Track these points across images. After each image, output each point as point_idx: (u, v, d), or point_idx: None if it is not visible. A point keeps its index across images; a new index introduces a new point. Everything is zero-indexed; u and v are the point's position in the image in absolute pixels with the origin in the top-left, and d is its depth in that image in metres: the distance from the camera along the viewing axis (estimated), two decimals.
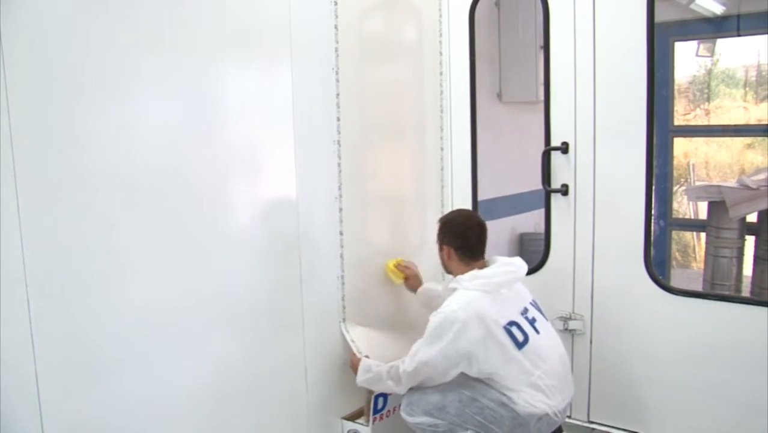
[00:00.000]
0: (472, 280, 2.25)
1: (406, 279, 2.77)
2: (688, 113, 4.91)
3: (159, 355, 1.96)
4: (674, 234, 4.74)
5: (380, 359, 2.69)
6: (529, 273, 2.44)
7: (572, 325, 2.81)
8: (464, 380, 2.27)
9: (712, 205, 3.84)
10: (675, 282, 4.61)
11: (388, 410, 2.65)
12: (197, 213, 2.06)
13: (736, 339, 2.48)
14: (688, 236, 5.09)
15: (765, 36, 4.04)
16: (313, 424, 2.52)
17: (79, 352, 1.77)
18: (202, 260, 2.08)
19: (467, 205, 3.08)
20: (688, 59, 4.52)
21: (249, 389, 2.25)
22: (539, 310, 2.38)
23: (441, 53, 3.06)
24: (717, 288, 3.73)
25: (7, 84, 1.57)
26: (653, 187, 2.63)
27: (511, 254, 2.93)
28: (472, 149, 3.06)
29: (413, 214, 3.03)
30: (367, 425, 2.57)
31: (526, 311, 2.29)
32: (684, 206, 4.91)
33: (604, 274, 2.75)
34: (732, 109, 4.91)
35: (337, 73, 2.50)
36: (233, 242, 2.19)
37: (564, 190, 2.79)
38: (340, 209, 2.56)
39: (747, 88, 4.72)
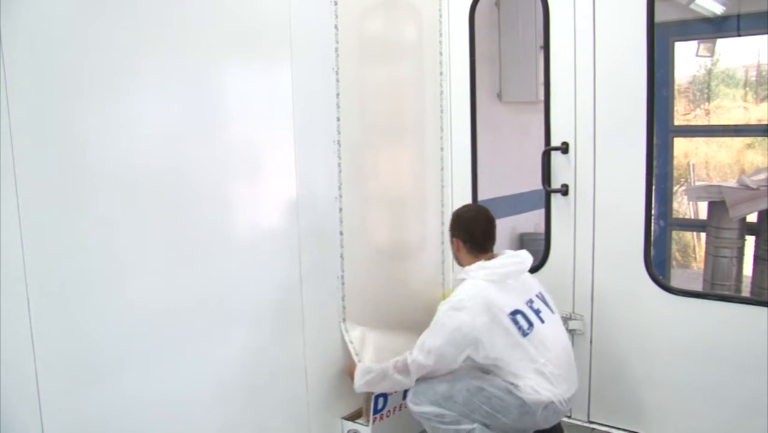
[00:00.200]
0: (478, 270, 2.33)
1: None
2: (688, 113, 4.91)
3: (159, 355, 1.96)
4: (674, 234, 4.74)
5: (380, 359, 2.70)
6: (529, 273, 2.46)
7: (572, 325, 2.81)
8: (471, 371, 2.32)
9: (712, 205, 3.84)
10: (675, 282, 4.60)
11: (388, 410, 2.65)
12: (197, 213, 2.06)
13: (736, 339, 2.48)
14: (688, 236, 5.09)
15: (765, 36, 4.04)
16: (313, 424, 2.52)
17: (79, 351, 1.77)
18: (202, 259, 2.08)
19: None
20: (688, 59, 4.52)
21: (249, 389, 2.25)
22: (546, 303, 2.41)
23: (441, 53, 3.06)
24: (717, 288, 3.73)
25: (7, 84, 1.57)
26: (653, 187, 2.63)
27: None
28: (472, 149, 3.07)
29: (413, 214, 3.03)
30: (367, 425, 2.57)
31: (531, 302, 2.34)
32: (684, 206, 4.91)
33: (604, 274, 2.75)
34: (732, 109, 4.91)
35: (337, 73, 2.50)
36: (233, 241, 2.19)
37: (564, 191, 2.79)
38: (340, 209, 2.56)
39: (747, 88, 4.72)
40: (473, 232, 2.43)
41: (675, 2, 4.02)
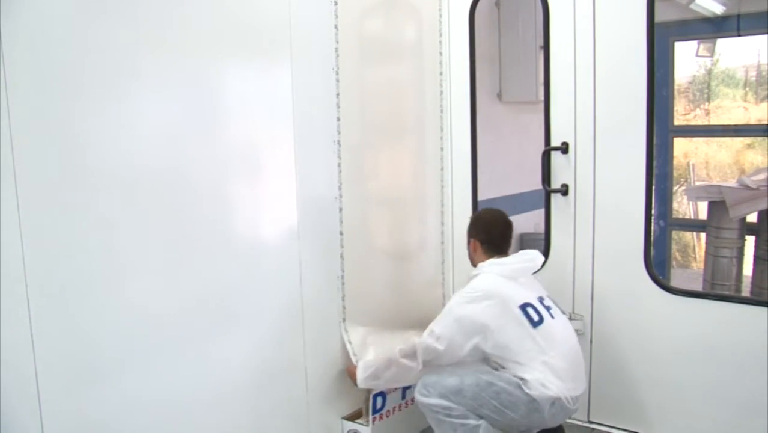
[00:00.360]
0: (491, 266, 2.40)
1: None
2: (688, 113, 4.91)
3: (159, 355, 1.96)
4: (674, 234, 4.74)
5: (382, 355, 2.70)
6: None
7: (572, 325, 2.80)
8: (481, 366, 2.35)
9: (712, 205, 3.84)
10: (675, 282, 4.61)
11: (388, 410, 2.65)
12: (197, 213, 2.06)
13: (736, 339, 2.48)
14: (688, 236, 5.09)
15: (765, 36, 4.04)
16: (313, 424, 2.52)
17: (79, 352, 1.77)
18: (202, 259, 2.08)
19: (467, 205, 3.08)
20: (688, 59, 4.52)
21: (249, 389, 2.25)
22: (556, 303, 2.44)
23: (441, 53, 3.06)
24: (717, 288, 3.73)
25: (7, 84, 1.57)
26: (653, 187, 2.63)
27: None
28: (472, 149, 3.06)
29: (413, 214, 3.03)
30: (368, 426, 2.57)
31: (542, 299, 2.37)
32: (684, 206, 4.90)
33: (604, 274, 2.76)
34: (732, 109, 4.90)
35: (337, 73, 2.50)
36: (233, 242, 2.19)
37: (564, 191, 2.79)
38: (340, 209, 2.56)
39: (747, 88, 4.72)
40: (491, 234, 2.48)
41: (675, 2, 4.02)
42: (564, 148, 2.77)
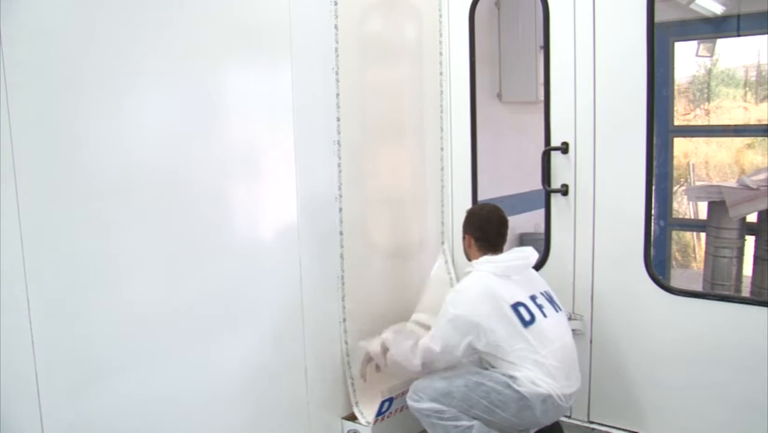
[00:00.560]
0: (484, 263, 2.40)
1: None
2: (688, 113, 4.91)
3: (159, 355, 1.96)
4: (674, 234, 4.74)
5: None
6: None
7: (572, 325, 2.79)
8: (471, 367, 2.36)
9: (712, 205, 3.83)
10: (675, 282, 4.60)
11: (390, 412, 2.65)
12: (197, 213, 2.06)
13: (736, 339, 2.48)
14: (688, 236, 5.08)
15: (765, 36, 4.04)
16: (313, 424, 2.52)
17: (79, 353, 1.77)
18: (202, 260, 2.08)
19: (467, 205, 3.07)
20: (688, 59, 4.52)
21: (249, 390, 2.26)
22: (552, 301, 2.43)
23: (441, 53, 3.06)
24: (717, 288, 3.73)
25: (7, 84, 1.57)
26: (653, 187, 2.63)
27: None
28: (472, 149, 3.06)
29: (413, 214, 3.03)
30: (368, 426, 2.57)
31: (535, 297, 2.37)
32: (684, 206, 4.90)
33: (604, 274, 2.76)
34: (732, 109, 4.90)
35: (337, 73, 2.50)
36: (234, 242, 2.19)
37: (564, 191, 2.79)
38: (340, 209, 2.56)
39: (747, 88, 4.72)
40: (486, 230, 2.48)
41: (675, 2, 4.02)
42: (564, 148, 2.77)
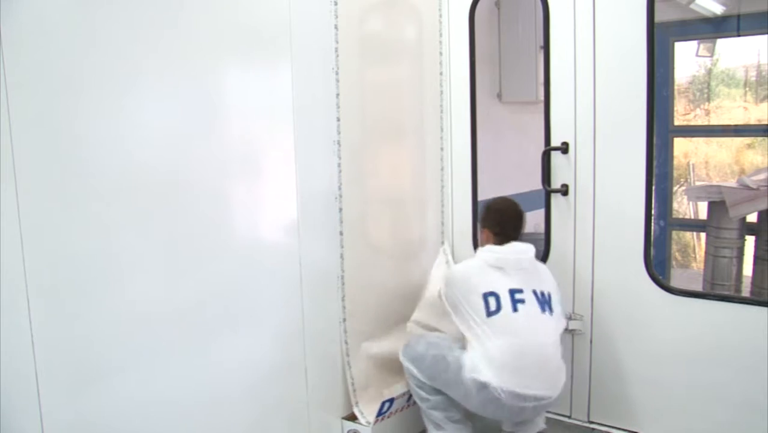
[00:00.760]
0: (485, 252, 2.49)
1: None
2: (688, 113, 4.91)
3: (159, 355, 1.96)
4: (674, 234, 4.74)
5: (383, 357, 2.72)
6: None
7: (572, 325, 2.81)
8: (452, 337, 2.47)
9: (712, 205, 3.83)
10: (675, 282, 4.60)
11: (390, 412, 2.65)
12: (197, 214, 2.06)
13: (736, 339, 2.48)
14: (688, 236, 5.08)
15: (765, 36, 4.04)
16: (313, 424, 2.52)
17: (79, 352, 1.77)
18: (203, 260, 2.08)
19: (467, 205, 3.09)
20: (688, 59, 4.52)
21: (249, 390, 2.25)
22: (544, 302, 2.40)
23: (441, 53, 3.06)
24: (717, 288, 3.73)
25: (7, 84, 1.57)
26: (653, 187, 2.63)
27: None
28: (472, 149, 3.07)
29: (413, 213, 3.03)
30: (368, 426, 2.57)
31: (518, 291, 2.37)
32: (684, 206, 4.90)
33: (604, 274, 2.76)
34: (732, 109, 4.90)
35: (337, 73, 2.50)
36: (233, 242, 2.19)
37: (564, 191, 2.79)
38: (340, 209, 2.56)
39: (747, 88, 4.72)
40: (504, 225, 2.54)
41: (675, 2, 4.02)
42: (564, 148, 2.77)
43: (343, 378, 2.63)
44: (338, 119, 2.52)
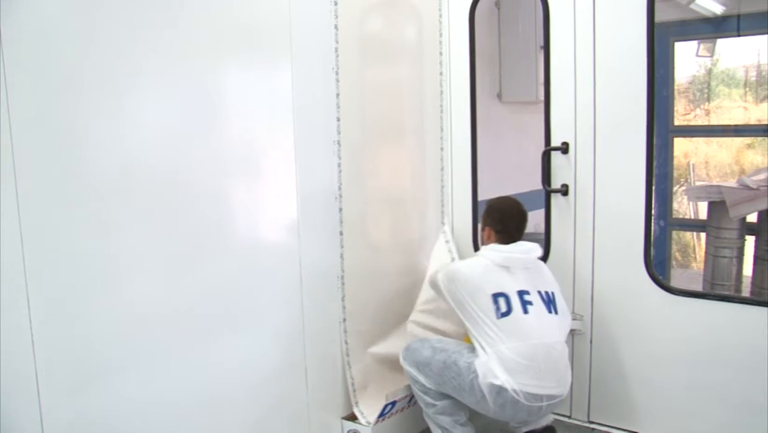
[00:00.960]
0: (489, 251, 2.47)
1: None
2: (688, 113, 4.91)
3: (159, 355, 1.96)
4: (674, 234, 4.74)
5: (383, 357, 2.72)
6: None
7: (572, 325, 2.80)
8: (460, 345, 2.45)
9: (712, 205, 3.83)
10: (675, 282, 4.60)
11: (391, 413, 2.65)
12: (197, 214, 2.06)
13: (736, 339, 2.48)
14: (688, 235, 5.08)
15: (765, 36, 4.04)
16: (313, 424, 2.52)
17: (79, 353, 1.77)
18: (203, 260, 2.08)
19: (467, 205, 3.09)
20: (688, 59, 4.51)
21: (249, 389, 2.25)
22: (549, 302, 2.42)
23: (441, 53, 3.06)
24: (717, 288, 3.73)
25: (7, 84, 1.57)
26: (653, 187, 2.63)
27: None
28: (472, 149, 3.07)
29: (413, 214, 3.03)
30: (368, 426, 2.57)
31: (525, 293, 2.38)
32: (684, 206, 4.90)
33: (604, 274, 2.76)
34: (732, 109, 4.90)
35: (337, 73, 2.50)
36: (233, 242, 2.19)
37: (564, 191, 2.79)
38: (340, 209, 2.56)
39: (747, 88, 4.72)
40: (507, 224, 2.54)
41: (675, 2, 4.02)
42: (564, 148, 2.77)
43: (343, 378, 2.63)
44: (338, 119, 2.52)
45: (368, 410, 2.62)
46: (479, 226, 2.63)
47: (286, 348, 2.41)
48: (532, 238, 3.98)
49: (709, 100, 4.89)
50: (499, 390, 2.25)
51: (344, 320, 2.62)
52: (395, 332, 2.82)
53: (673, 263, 4.87)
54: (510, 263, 2.41)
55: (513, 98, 3.78)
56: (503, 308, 2.32)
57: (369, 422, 2.57)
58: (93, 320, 1.79)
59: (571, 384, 2.44)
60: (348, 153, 2.56)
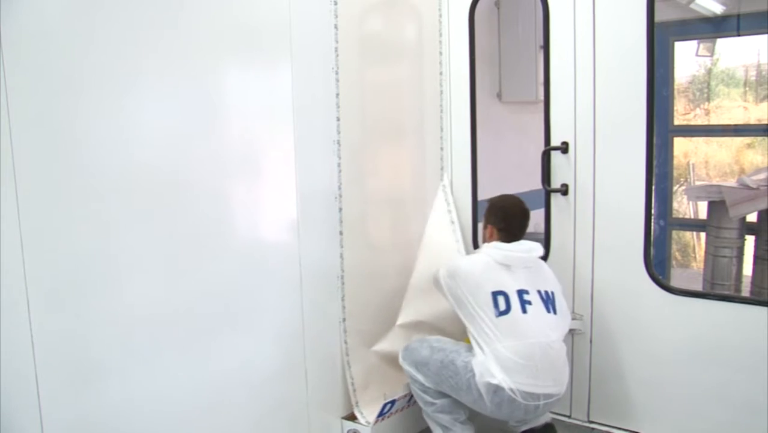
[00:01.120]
0: (491, 248, 2.48)
1: None
2: (688, 113, 4.90)
3: (159, 355, 1.96)
4: (674, 234, 4.74)
5: (383, 356, 2.72)
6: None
7: (572, 324, 2.79)
8: (458, 345, 2.45)
9: (712, 205, 3.83)
10: (675, 282, 4.60)
11: (390, 412, 2.65)
12: (197, 214, 2.06)
13: (736, 339, 2.48)
14: (688, 235, 5.08)
15: (765, 36, 4.04)
16: (313, 424, 2.52)
17: (79, 352, 1.77)
18: (202, 260, 2.08)
19: (467, 205, 3.09)
20: (688, 59, 4.51)
21: (249, 390, 2.25)
22: (548, 301, 2.42)
23: (441, 53, 3.06)
24: (717, 288, 3.73)
25: (7, 84, 1.57)
26: (653, 187, 2.63)
27: None
28: (472, 149, 3.07)
29: (413, 213, 3.03)
30: (368, 426, 2.57)
31: (525, 292, 2.38)
32: (684, 206, 4.90)
33: (604, 273, 2.76)
34: (732, 109, 4.90)
35: (337, 73, 2.50)
36: (233, 242, 2.19)
37: (564, 190, 2.79)
38: (340, 209, 2.56)
39: (747, 88, 4.72)
40: (509, 222, 2.54)
41: (675, 2, 4.02)
42: (564, 148, 2.77)
43: (343, 378, 2.63)
44: (338, 119, 2.52)
45: (368, 410, 2.62)
46: (481, 223, 2.64)
47: (286, 348, 2.41)
48: (532, 237, 3.97)
49: (708, 99, 4.89)
50: (496, 389, 2.26)
51: (344, 319, 2.62)
52: (395, 332, 2.82)
53: (673, 262, 4.87)
54: (511, 262, 2.41)
55: (513, 98, 3.78)
56: (502, 307, 2.32)
57: (369, 422, 2.57)
58: (93, 320, 1.79)
59: (569, 383, 2.44)
60: (348, 153, 2.56)
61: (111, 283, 1.83)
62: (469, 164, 3.08)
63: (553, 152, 2.80)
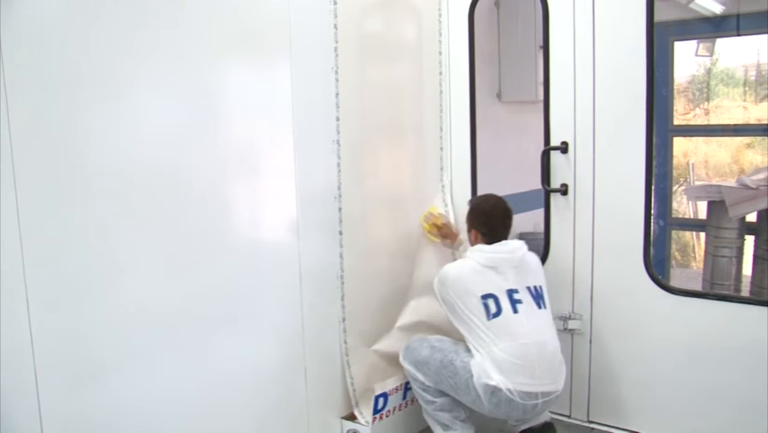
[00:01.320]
0: (475, 252, 2.48)
1: (444, 238, 2.91)
2: (688, 113, 4.91)
3: (158, 355, 1.96)
4: (674, 234, 4.74)
5: (383, 356, 2.72)
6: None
7: (572, 325, 2.81)
8: (458, 345, 2.45)
9: (711, 205, 3.83)
10: (674, 282, 4.60)
11: (388, 410, 2.65)
12: (196, 214, 2.06)
13: (735, 339, 2.48)
14: (688, 235, 5.08)
15: (765, 36, 4.04)
16: (313, 424, 2.52)
17: (79, 352, 1.77)
18: (202, 260, 2.08)
19: (466, 205, 3.08)
20: (687, 59, 4.51)
21: (248, 389, 2.26)
22: (537, 297, 2.43)
23: (441, 53, 3.06)
24: (717, 288, 3.73)
25: (6, 84, 1.57)
26: (653, 187, 2.63)
27: None
28: (472, 149, 3.07)
29: (413, 213, 3.03)
30: (367, 426, 2.57)
31: (514, 291, 2.39)
32: (683, 206, 4.90)
33: (603, 273, 2.76)
34: (731, 109, 4.90)
35: (336, 73, 2.50)
36: (233, 242, 2.19)
37: (563, 190, 2.79)
38: (340, 209, 2.56)
39: (746, 88, 4.72)
40: (492, 225, 2.53)
41: (675, 2, 4.02)
42: (563, 148, 2.77)
43: (343, 378, 2.63)
44: (338, 119, 2.52)
45: (367, 410, 2.62)
46: (466, 227, 2.63)
47: (285, 348, 2.41)
48: (532, 237, 3.99)
49: (708, 99, 4.89)
50: (494, 390, 2.27)
51: (344, 319, 2.62)
52: (395, 332, 2.82)
53: (673, 262, 4.87)
54: (496, 263, 2.42)
55: (512, 98, 3.78)
56: (493, 309, 2.33)
57: (368, 422, 2.58)
58: (92, 320, 1.79)
59: (566, 381, 2.44)
60: (347, 153, 2.56)
61: (110, 282, 1.83)
62: (468, 164, 3.08)
63: (552, 152, 2.80)
